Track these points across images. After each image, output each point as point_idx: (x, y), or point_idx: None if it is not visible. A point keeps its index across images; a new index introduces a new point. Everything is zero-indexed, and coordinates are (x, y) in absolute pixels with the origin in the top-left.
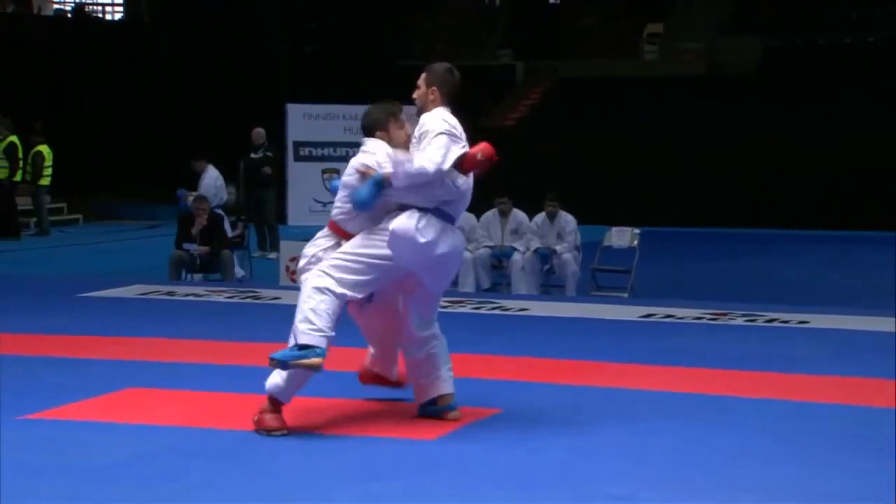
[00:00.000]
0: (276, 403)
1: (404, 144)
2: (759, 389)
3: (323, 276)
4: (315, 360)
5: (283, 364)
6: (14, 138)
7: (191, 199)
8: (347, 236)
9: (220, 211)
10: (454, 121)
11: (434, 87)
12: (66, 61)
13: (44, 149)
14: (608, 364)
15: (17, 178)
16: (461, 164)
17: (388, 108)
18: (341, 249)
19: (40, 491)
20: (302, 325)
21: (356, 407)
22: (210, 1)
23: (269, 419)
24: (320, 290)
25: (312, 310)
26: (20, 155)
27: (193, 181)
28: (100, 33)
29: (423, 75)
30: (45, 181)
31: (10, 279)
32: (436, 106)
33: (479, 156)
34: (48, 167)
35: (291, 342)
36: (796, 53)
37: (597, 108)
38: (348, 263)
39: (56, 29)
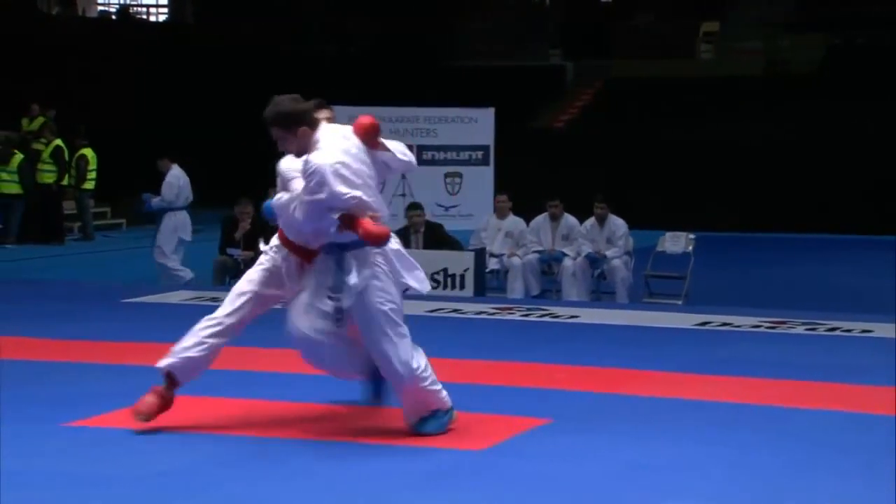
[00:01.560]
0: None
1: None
2: (822, 400)
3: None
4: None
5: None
6: (60, 142)
7: (155, 200)
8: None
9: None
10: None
11: (301, 127)
12: (110, 63)
13: (88, 152)
14: (663, 373)
15: (65, 182)
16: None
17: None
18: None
19: (87, 499)
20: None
21: (399, 415)
22: (255, 2)
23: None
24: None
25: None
26: (66, 158)
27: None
28: (144, 35)
29: (276, 131)
30: (90, 185)
31: (54, 284)
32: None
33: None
34: (92, 171)
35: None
36: (860, 52)
37: (650, 109)
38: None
39: (100, 30)
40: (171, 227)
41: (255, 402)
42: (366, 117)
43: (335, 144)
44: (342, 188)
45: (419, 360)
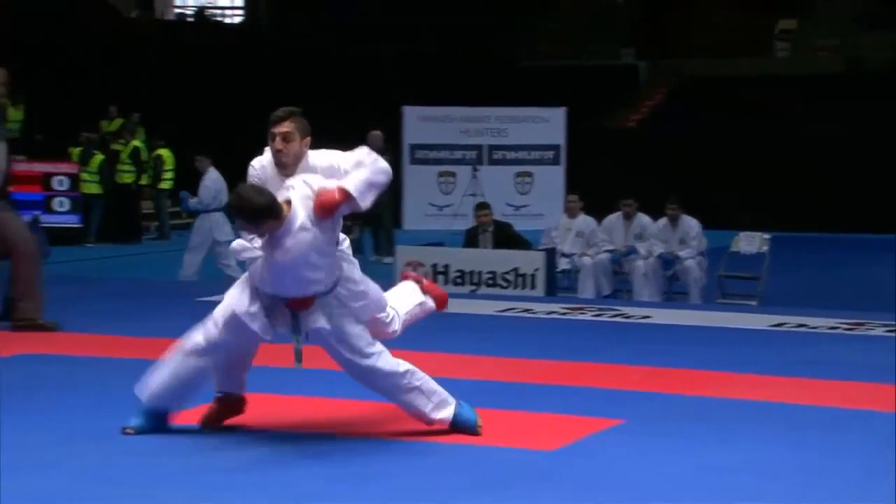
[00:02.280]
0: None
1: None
2: None
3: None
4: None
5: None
6: (138, 143)
7: (192, 201)
8: None
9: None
10: None
11: (307, 138)
12: (186, 65)
13: (165, 153)
14: (737, 375)
15: (142, 182)
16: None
17: None
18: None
19: (170, 496)
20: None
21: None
22: (327, 3)
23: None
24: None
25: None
26: (144, 159)
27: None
28: (220, 36)
29: (291, 125)
30: (167, 185)
31: (130, 283)
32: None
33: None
34: (169, 171)
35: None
36: None
37: (723, 108)
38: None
39: (177, 32)
40: (206, 228)
41: (312, 399)
42: (328, 196)
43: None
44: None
45: (404, 366)
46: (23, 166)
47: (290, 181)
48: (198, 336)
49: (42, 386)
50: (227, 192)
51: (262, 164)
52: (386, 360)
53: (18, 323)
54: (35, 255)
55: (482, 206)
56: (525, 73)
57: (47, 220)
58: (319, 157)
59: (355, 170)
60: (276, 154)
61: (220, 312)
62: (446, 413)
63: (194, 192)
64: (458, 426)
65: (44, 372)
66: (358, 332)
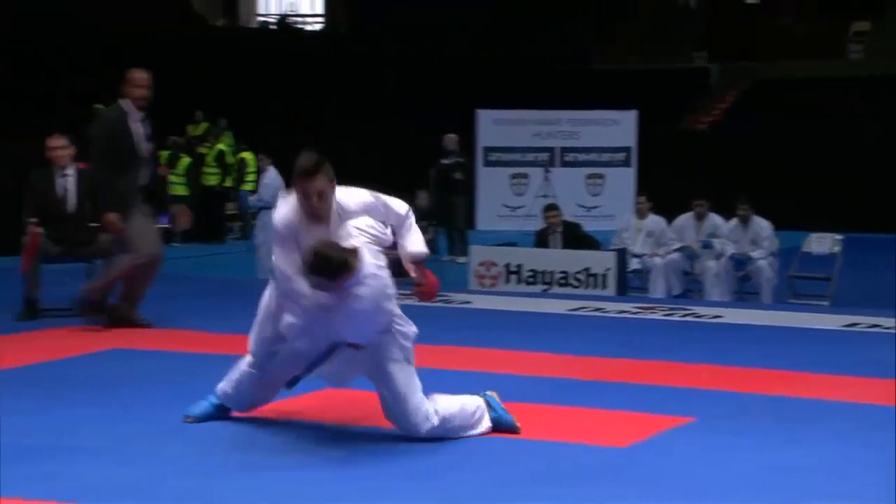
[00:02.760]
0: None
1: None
2: None
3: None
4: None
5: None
6: (223, 146)
7: (252, 198)
8: None
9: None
10: None
11: (334, 181)
12: (269, 70)
13: (247, 155)
14: (809, 374)
15: (227, 183)
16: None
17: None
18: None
19: (251, 488)
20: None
21: (546, 412)
22: (404, 10)
23: None
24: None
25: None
26: (229, 162)
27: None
28: (300, 43)
29: (324, 178)
30: (249, 186)
31: (214, 282)
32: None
33: None
34: (251, 173)
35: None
36: None
37: (796, 110)
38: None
39: (260, 39)
40: (269, 225)
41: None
42: (429, 285)
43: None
44: None
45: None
46: None
47: (346, 229)
48: (253, 356)
49: (131, 379)
50: (284, 189)
51: (288, 219)
52: (430, 429)
53: (115, 319)
54: (158, 264)
55: (551, 208)
56: (598, 76)
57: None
58: (349, 197)
59: (404, 230)
60: (314, 210)
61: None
62: (485, 423)
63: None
64: (499, 428)
65: (134, 366)
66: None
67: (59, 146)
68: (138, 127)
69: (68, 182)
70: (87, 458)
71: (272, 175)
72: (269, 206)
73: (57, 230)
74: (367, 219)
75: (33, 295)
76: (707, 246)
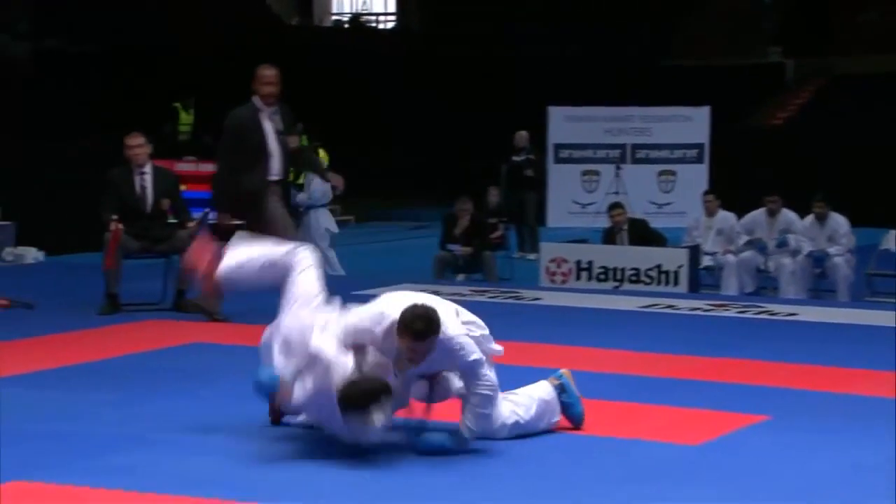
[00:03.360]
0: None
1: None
2: None
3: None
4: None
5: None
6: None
7: (300, 196)
8: None
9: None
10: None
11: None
12: (343, 68)
13: (321, 153)
14: (885, 373)
15: (300, 180)
16: None
17: None
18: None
19: (329, 481)
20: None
21: (618, 409)
22: (475, 8)
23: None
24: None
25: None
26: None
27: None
28: (373, 41)
29: (431, 342)
30: (302, 179)
31: None
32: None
33: None
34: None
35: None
36: None
37: (873, 106)
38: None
39: (334, 38)
40: (318, 223)
41: None
42: None
43: None
44: None
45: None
46: (192, 167)
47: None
48: None
49: (211, 373)
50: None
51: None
52: (508, 431)
53: (192, 311)
54: None
55: (615, 207)
56: (670, 72)
57: (214, 217)
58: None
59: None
60: (406, 365)
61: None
62: (557, 413)
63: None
64: (566, 413)
65: (213, 360)
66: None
67: (137, 144)
68: (269, 122)
69: (146, 180)
70: (167, 450)
71: None
72: (317, 206)
73: (135, 227)
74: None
75: (114, 290)
76: (783, 243)
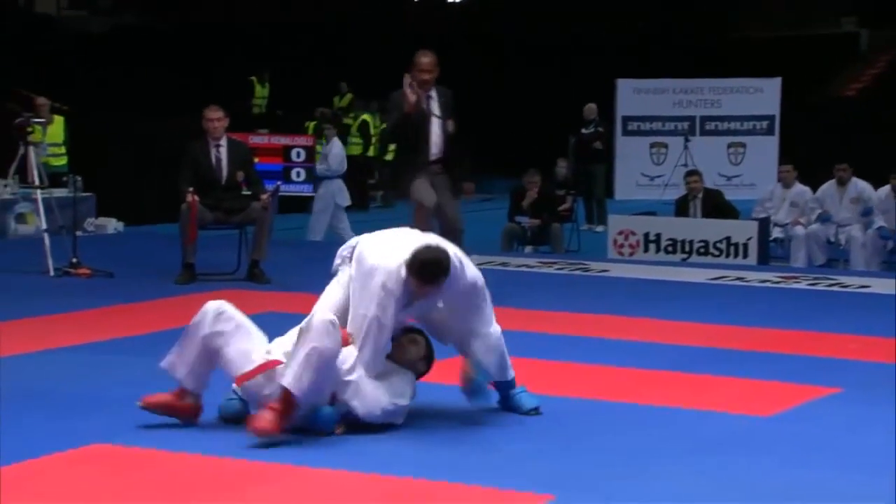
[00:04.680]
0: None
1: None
2: None
3: None
4: None
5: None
6: (367, 116)
7: (319, 167)
8: None
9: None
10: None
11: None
12: (407, 44)
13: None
14: None
15: (370, 153)
16: None
17: None
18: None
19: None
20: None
21: (689, 381)
22: None
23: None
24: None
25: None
26: (371, 132)
27: None
28: (444, 15)
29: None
30: (391, 156)
31: None
32: None
33: None
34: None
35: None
36: None
37: None
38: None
39: (402, 12)
40: (328, 194)
41: (551, 363)
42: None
43: None
44: None
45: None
46: (266, 140)
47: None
48: None
49: None
50: (346, 160)
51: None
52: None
53: None
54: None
55: (692, 173)
56: (741, 44)
57: (286, 189)
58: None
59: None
60: (417, 298)
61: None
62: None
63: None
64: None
65: (287, 328)
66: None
67: (217, 118)
68: (424, 105)
69: (221, 152)
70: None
71: (338, 145)
72: (335, 176)
73: (210, 198)
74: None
75: (191, 260)
76: (867, 212)
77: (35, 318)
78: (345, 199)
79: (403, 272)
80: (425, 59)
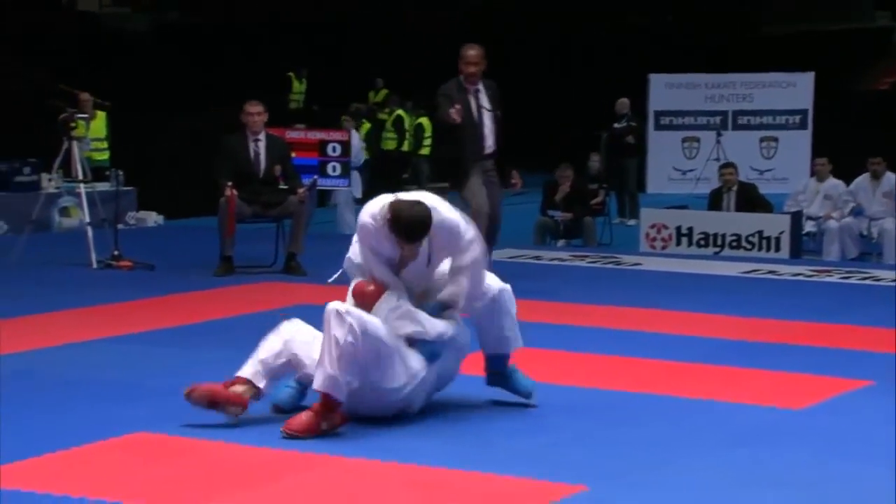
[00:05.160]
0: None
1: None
2: None
3: None
4: None
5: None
6: (401, 112)
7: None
8: None
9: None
10: None
11: None
12: (439, 42)
13: (424, 121)
14: None
15: (404, 148)
16: None
17: None
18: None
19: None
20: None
21: (720, 373)
22: None
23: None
24: None
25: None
26: (406, 127)
27: None
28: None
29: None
30: (425, 151)
31: None
32: None
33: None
34: (428, 138)
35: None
36: None
37: None
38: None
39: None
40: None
41: (595, 356)
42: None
43: None
44: None
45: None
46: (302, 134)
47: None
48: None
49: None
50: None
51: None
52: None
53: None
54: (485, 221)
55: (727, 166)
56: (773, 38)
57: (322, 183)
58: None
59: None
60: (403, 259)
61: None
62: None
63: None
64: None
65: (319, 321)
66: None
67: (257, 112)
68: (474, 99)
69: (260, 146)
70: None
71: (356, 137)
72: (352, 168)
73: (248, 192)
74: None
75: (229, 253)
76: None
77: (79, 309)
78: (358, 191)
79: (387, 210)
80: (472, 51)
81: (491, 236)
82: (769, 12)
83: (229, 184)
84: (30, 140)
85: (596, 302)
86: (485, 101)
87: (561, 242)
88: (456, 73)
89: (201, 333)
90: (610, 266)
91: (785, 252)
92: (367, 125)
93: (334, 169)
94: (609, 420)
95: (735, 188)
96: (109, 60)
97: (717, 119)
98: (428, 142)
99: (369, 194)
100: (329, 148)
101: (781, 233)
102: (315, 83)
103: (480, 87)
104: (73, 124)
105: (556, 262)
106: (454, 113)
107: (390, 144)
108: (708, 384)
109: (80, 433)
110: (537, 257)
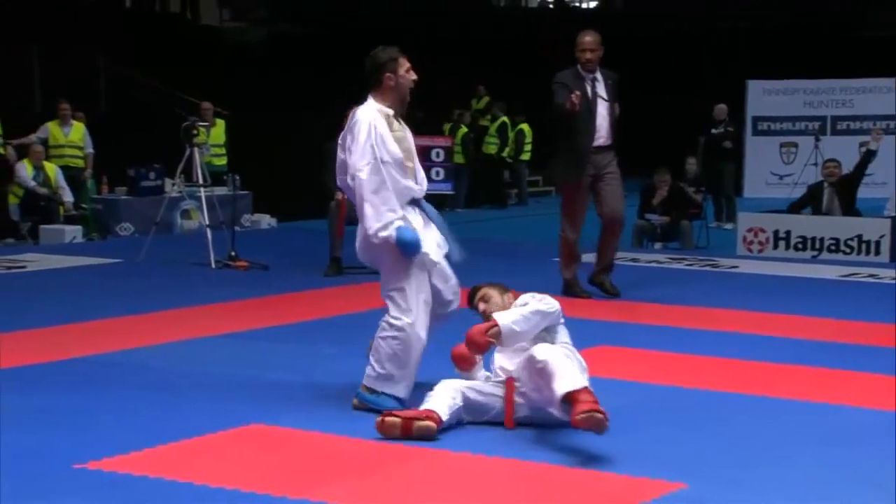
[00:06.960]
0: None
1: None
2: None
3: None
4: None
5: None
6: (505, 118)
7: None
8: None
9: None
10: None
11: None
12: (546, 49)
13: (525, 127)
14: None
15: (505, 153)
16: None
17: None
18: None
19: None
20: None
21: (816, 374)
22: None
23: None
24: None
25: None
26: (509, 133)
27: None
28: (578, 22)
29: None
30: (526, 156)
31: (493, 243)
32: None
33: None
34: (528, 143)
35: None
36: None
37: None
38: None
39: (540, 20)
40: None
41: (677, 355)
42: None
43: None
44: None
45: None
46: None
47: None
48: None
49: None
50: None
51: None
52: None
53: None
54: (616, 225)
55: (832, 160)
56: (870, 43)
57: (428, 187)
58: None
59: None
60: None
61: None
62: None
63: None
64: None
65: None
66: None
67: None
68: (590, 87)
69: None
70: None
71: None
72: None
73: None
74: None
75: (339, 254)
76: None
77: (199, 306)
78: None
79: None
80: (588, 37)
81: (610, 236)
82: (870, 16)
83: (339, 188)
84: (155, 147)
85: (695, 304)
86: (601, 91)
87: (658, 245)
88: (574, 65)
89: (312, 330)
90: (707, 268)
91: (885, 256)
92: (463, 130)
93: (438, 174)
94: (705, 419)
95: (836, 182)
96: (228, 71)
97: (816, 124)
98: (528, 147)
99: (471, 200)
100: (433, 153)
101: (881, 237)
102: (419, 89)
103: (598, 75)
104: (194, 132)
105: (653, 265)
106: (574, 98)
107: (491, 149)
108: (807, 385)
109: (200, 424)
110: (635, 259)
